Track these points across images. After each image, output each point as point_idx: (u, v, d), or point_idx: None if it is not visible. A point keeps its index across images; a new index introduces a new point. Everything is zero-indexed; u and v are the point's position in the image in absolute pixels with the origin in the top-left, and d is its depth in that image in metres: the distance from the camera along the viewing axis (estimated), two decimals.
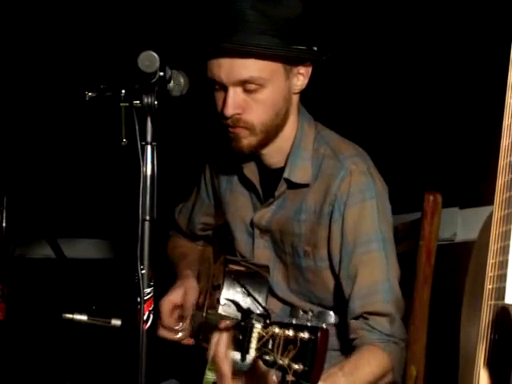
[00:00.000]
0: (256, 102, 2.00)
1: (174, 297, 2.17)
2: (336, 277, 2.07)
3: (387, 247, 2.03)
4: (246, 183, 2.19)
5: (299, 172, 2.08)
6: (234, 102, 1.99)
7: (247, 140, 2.03)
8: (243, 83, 1.98)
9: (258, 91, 1.99)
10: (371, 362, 1.91)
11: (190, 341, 2.17)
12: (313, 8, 2.06)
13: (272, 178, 2.13)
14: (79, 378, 3.34)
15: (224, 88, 2.00)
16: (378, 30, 3.07)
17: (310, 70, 2.06)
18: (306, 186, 2.08)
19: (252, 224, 2.18)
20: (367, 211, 2.02)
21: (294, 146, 2.10)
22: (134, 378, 1.68)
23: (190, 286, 2.18)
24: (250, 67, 1.97)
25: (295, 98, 2.09)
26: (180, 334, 2.16)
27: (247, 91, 1.99)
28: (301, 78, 2.06)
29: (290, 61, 2.03)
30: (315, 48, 2.05)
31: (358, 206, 2.02)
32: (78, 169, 3.43)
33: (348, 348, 2.01)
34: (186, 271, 2.24)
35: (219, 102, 2.03)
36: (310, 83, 2.09)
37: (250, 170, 2.17)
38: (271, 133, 2.06)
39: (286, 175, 2.09)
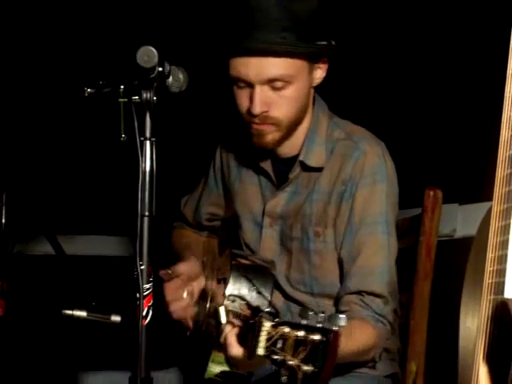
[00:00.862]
0: (282, 98, 2.02)
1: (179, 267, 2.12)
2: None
3: (390, 231, 2.07)
4: (258, 171, 2.20)
5: (314, 156, 2.11)
6: (262, 99, 2.00)
7: (272, 135, 2.06)
8: (271, 81, 1.99)
9: (285, 88, 2.01)
10: (362, 333, 1.95)
11: (190, 323, 2.12)
12: (323, 1, 2.06)
13: (285, 166, 2.15)
14: (79, 374, 3.34)
15: (249, 86, 2.00)
16: (376, 28, 3.07)
17: (327, 63, 2.09)
18: (319, 169, 2.11)
19: (263, 213, 2.19)
20: (377, 194, 2.06)
21: (309, 134, 2.12)
22: (133, 373, 1.68)
23: (195, 264, 2.15)
24: (278, 65, 1.98)
25: (312, 92, 2.12)
26: (187, 301, 2.10)
27: (274, 88, 2.00)
28: (319, 71, 2.09)
29: (313, 56, 2.05)
30: (333, 42, 2.08)
31: (369, 188, 2.06)
32: (77, 165, 3.43)
33: None
34: (191, 258, 2.22)
35: (243, 99, 2.03)
36: None
37: (263, 159, 2.18)
38: (293, 127, 2.09)
39: (301, 158, 2.11)
